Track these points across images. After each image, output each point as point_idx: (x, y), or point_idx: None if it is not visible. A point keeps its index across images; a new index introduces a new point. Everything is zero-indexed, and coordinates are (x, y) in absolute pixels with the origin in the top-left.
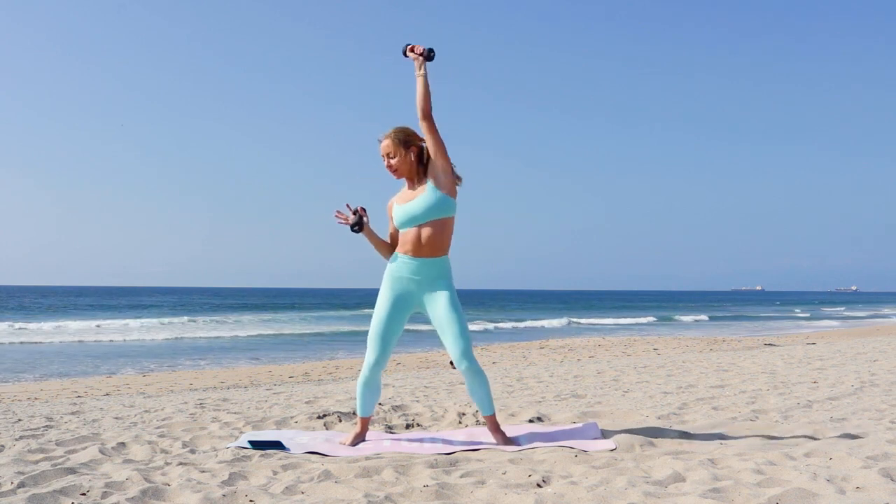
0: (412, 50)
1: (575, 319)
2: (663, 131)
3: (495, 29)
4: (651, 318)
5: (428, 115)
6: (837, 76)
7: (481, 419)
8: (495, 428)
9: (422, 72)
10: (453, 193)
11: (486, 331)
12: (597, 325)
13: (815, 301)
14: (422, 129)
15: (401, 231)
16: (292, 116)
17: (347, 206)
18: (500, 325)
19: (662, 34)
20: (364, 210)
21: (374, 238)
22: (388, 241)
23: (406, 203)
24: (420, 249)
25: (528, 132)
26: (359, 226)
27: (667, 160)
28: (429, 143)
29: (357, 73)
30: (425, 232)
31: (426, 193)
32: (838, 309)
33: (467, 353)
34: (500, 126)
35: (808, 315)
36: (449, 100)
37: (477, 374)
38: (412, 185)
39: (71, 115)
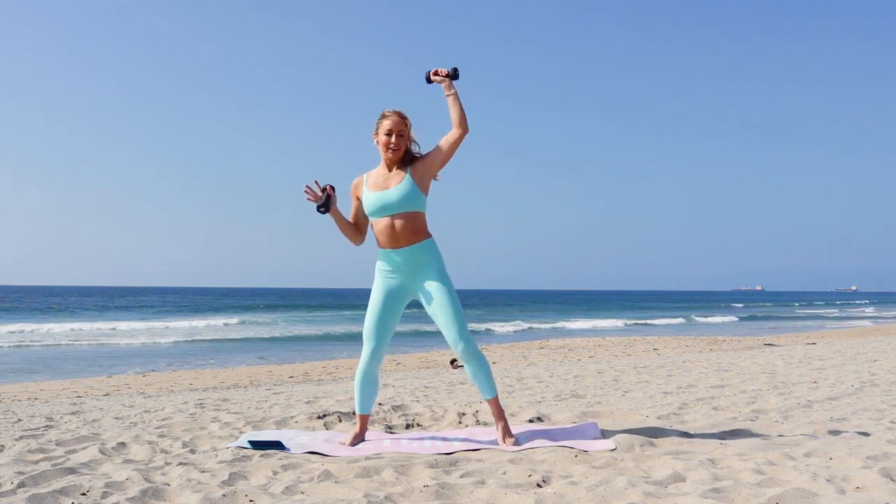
0: (436, 74)
1: (630, 321)
2: (663, 131)
3: (495, 29)
4: (680, 319)
5: (467, 131)
6: (837, 76)
7: (481, 419)
8: (499, 413)
9: (452, 91)
10: (427, 192)
11: (528, 329)
12: (662, 325)
13: (837, 301)
14: (456, 142)
15: (372, 219)
16: (292, 116)
17: (316, 182)
18: (538, 325)
19: (662, 34)
20: (333, 189)
21: (340, 219)
22: (352, 220)
23: (380, 190)
24: (397, 241)
25: (528, 132)
26: (325, 207)
27: (667, 160)
28: (452, 152)
29: (357, 73)
30: (398, 223)
31: (403, 184)
32: (866, 309)
33: (463, 335)
34: (500, 126)
35: (837, 314)
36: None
37: (475, 356)
38: (389, 171)
39: (71, 115)
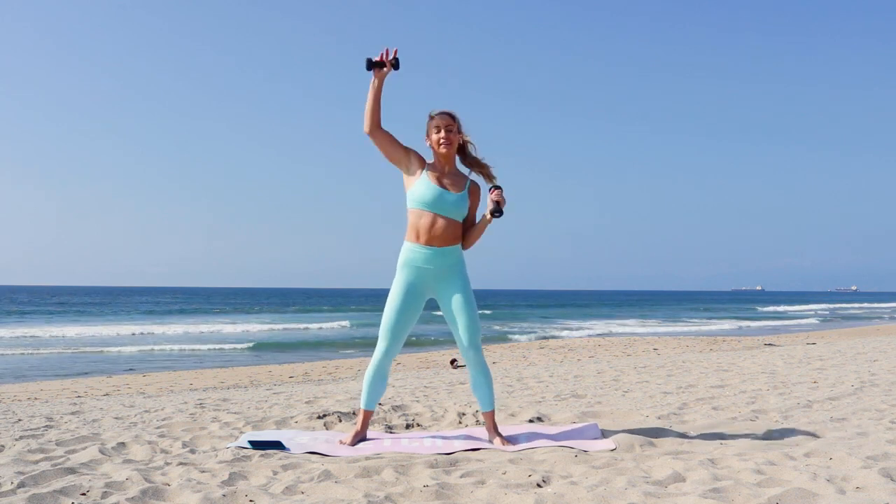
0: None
1: (716, 323)
2: (663, 131)
3: (495, 29)
4: (776, 322)
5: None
6: (837, 76)
7: (481, 419)
8: (492, 426)
9: (489, 222)
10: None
11: (609, 332)
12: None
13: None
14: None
15: (418, 208)
16: (292, 116)
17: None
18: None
19: (662, 34)
20: (396, 63)
21: (378, 92)
22: (391, 135)
23: (444, 188)
24: (433, 239)
25: (528, 132)
26: (380, 66)
27: (667, 160)
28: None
29: (357, 74)
30: (441, 223)
31: (463, 194)
32: None
33: (475, 343)
34: (500, 126)
35: None
36: (449, 100)
37: (481, 366)
38: (446, 169)
39: (71, 116)
